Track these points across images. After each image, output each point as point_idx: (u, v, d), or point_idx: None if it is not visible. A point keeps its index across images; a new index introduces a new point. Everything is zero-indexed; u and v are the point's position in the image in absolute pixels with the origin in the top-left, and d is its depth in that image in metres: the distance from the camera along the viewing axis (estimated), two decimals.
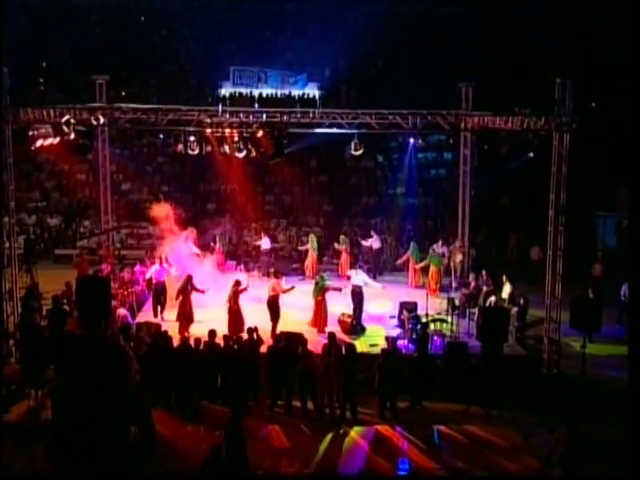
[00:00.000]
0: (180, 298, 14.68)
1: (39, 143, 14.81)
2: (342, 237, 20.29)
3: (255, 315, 14.49)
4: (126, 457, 9.90)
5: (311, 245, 20.09)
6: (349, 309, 15.51)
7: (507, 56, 27.45)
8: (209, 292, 15.22)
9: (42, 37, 28.91)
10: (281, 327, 14.31)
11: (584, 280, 16.96)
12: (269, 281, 15.50)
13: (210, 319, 14.44)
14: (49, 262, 21.73)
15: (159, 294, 15.62)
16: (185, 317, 14.53)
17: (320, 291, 15.12)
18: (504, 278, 16.01)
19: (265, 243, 20.38)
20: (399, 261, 20.00)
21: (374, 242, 20.57)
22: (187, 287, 14.71)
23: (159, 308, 15.58)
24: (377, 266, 20.15)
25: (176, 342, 12.57)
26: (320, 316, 15.05)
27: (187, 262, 16.72)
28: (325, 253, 21.66)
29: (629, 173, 8.38)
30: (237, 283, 14.65)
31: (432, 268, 18.27)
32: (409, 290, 18.12)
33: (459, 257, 18.79)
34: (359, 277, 15.81)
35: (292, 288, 15.31)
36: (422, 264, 18.64)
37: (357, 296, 15.59)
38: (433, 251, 18.59)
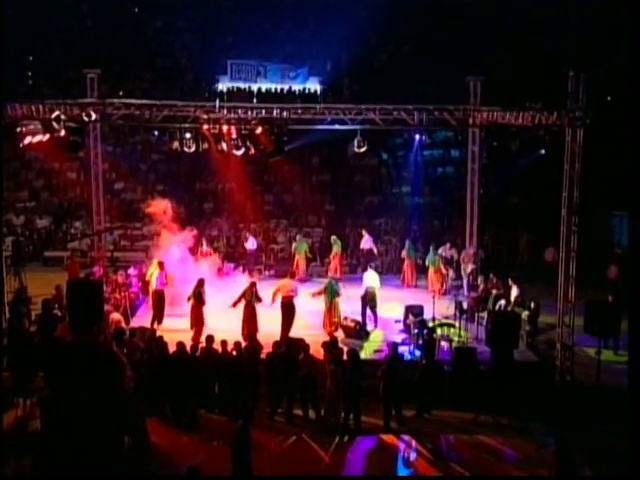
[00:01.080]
0: (192, 303, 14.67)
1: (28, 140, 14.83)
2: (333, 238, 20.33)
3: (263, 317, 14.66)
4: (119, 469, 9.89)
5: (297, 249, 20.14)
6: (352, 314, 15.56)
7: (517, 48, 27.43)
8: (209, 297, 15.19)
9: (30, 28, 28.93)
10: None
11: (599, 283, 16.95)
12: (280, 282, 15.60)
13: (218, 323, 14.48)
14: (38, 265, 21.76)
15: (159, 302, 15.48)
16: (198, 322, 14.52)
17: (334, 294, 15.19)
18: (510, 281, 16.02)
19: (250, 244, 20.47)
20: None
21: (365, 243, 20.59)
22: (199, 291, 14.69)
23: (157, 318, 15.37)
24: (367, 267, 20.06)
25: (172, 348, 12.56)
26: (332, 319, 15.14)
27: (183, 267, 16.71)
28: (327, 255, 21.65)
29: (630, 172, 8.37)
30: (253, 284, 14.77)
31: (430, 269, 18.37)
32: (415, 294, 18.13)
33: (470, 267, 18.38)
34: (374, 278, 15.87)
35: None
36: (430, 269, 18.64)
37: (372, 298, 15.69)
38: (434, 252, 18.65)
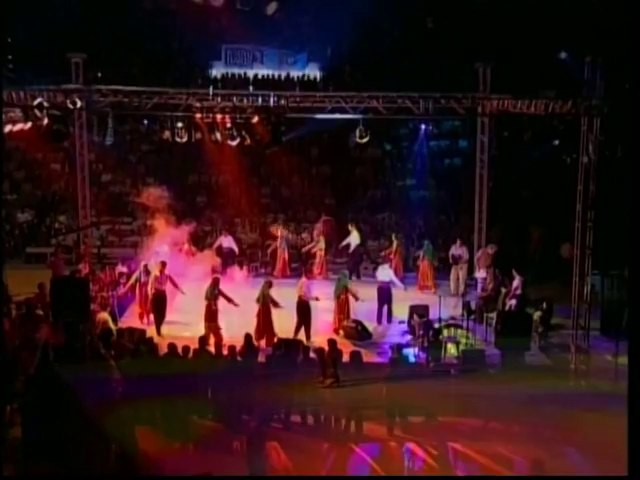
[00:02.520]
0: (206, 304, 14.61)
1: (8, 129, 14.77)
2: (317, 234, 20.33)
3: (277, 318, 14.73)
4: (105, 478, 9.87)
5: (280, 241, 20.11)
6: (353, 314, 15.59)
7: (530, 32, 27.31)
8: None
9: (9, 9, 28.75)
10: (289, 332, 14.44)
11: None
12: (298, 282, 15.64)
13: (232, 327, 14.47)
14: (20, 262, 21.71)
15: (160, 305, 15.37)
16: (212, 325, 14.44)
17: (343, 289, 15.22)
18: (514, 272, 16.03)
19: (227, 242, 20.32)
20: (383, 253, 19.95)
21: (351, 239, 20.49)
22: (214, 291, 14.64)
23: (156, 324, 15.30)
24: (355, 266, 19.95)
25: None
26: (339, 316, 15.17)
27: (174, 265, 16.67)
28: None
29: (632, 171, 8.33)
30: (268, 284, 14.81)
31: (424, 262, 18.40)
32: (420, 293, 18.13)
33: (483, 272, 17.55)
34: (385, 272, 15.91)
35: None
36: (423, 262, 18.72)
37: (384, 294, 15.81)
38: (429, 246, 18.68)
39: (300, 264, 20.27)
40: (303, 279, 15.47)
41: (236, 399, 11.87)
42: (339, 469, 10.69)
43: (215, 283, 14.77)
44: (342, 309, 15.25)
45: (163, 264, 15.52)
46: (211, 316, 14.48)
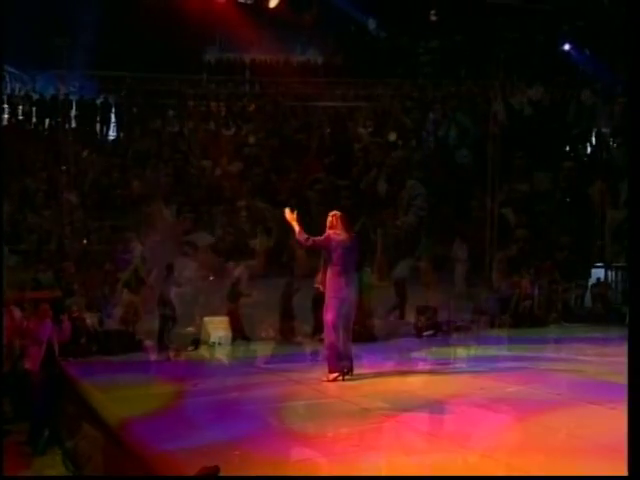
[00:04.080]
0: (229, 307, 14.70)
1: None
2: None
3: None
4: None
5: (260, 240, 20.16)
6: None
7: (544, 13, 27.35)
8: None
9: None
10: None
11: None
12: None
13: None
14: None
15: (166, 309, 15.34)
16: (238, 330, 14.51)
17: (364, 287, 15.34)
18: (522, 272, 16.05)
19: (203, 238, 20.26)
20: None
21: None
22: (238, 291, 14.76)
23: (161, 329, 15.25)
24: None
25: None
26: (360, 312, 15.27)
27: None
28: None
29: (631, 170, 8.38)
30: (289, 283, 14.89)
31: (423, 259, 18.53)
32: (427, 293, 18.15)
33: (503, 283, 17.23)
34: (404, 265, 16.00)
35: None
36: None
37: (400, 289, 15.92)
38: (426, 241, 18.86)
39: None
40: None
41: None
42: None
43: (237, 283, 14.88)
44: (361, 307, 15.30)
45: (170, 267, 15.53)
46: (236, 322, 14.58)
